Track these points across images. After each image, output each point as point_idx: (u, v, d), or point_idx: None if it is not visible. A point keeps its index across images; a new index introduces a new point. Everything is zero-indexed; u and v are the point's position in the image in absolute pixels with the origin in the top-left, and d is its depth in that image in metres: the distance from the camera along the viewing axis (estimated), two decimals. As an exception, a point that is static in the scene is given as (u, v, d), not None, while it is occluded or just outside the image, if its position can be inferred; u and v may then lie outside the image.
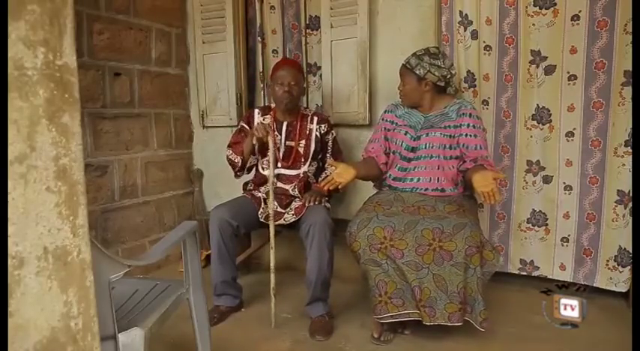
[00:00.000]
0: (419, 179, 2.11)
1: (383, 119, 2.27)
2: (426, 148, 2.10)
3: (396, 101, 2.28)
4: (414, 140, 2.13)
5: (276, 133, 2.35)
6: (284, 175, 2.35)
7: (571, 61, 2.25)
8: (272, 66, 2.46)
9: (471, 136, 2.07)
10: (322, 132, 2.39)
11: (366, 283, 1.97)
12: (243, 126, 2.42)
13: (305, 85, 2.49)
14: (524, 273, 2.48)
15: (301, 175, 2.35)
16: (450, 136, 2.08)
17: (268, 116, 2.40)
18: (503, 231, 2.51)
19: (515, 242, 2.49)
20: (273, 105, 2.44)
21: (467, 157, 2.06)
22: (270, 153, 2.15)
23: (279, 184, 2.34)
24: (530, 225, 2.45)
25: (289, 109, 2.33)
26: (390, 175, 2.19)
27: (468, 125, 2.08)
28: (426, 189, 2.09)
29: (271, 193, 2.15)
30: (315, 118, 2.40)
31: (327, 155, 2.44)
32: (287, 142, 2.36)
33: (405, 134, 2.15)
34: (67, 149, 0.71)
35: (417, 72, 2.08)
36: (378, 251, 1.89)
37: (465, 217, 1.89)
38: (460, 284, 1.82)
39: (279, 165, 2.35)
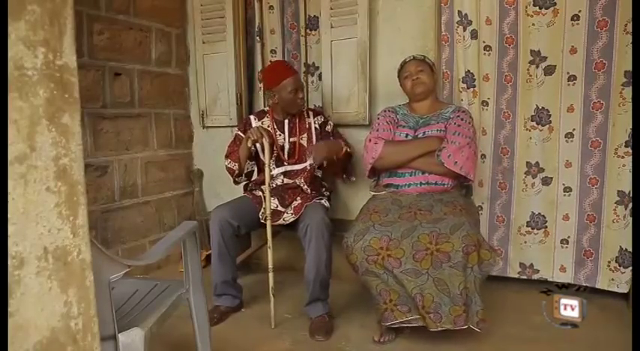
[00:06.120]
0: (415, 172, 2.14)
1: (384, 116, 2.28)
2: None
3: (391, 106, 2.33)
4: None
5: (278, 132, 2.38)
6: (291, 171, 2.38)
7: (571, 61, 2.25)
8: (266, 75, 2.41)
9: (455, 124, 2.13)
10: (320, 123, 2.44)
11: (366, 292, 1.97)
12: (238, 134, 2.44)
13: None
14: (524, 277, 2.47)
15: (308, 168, 2.37)
16: (444, 130, 2.14)
17: (265, 119, 2.42)
18: (503, 234, 2.49)
19: (515, 246, 2.48)
20: (266, 108, 2.47)
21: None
22: (266, 154, 2.18)
23: (286, 180, 2.37)
24: (529, 228, 2.44)
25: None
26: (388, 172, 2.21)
27: (457, 117, 2.16)
28: (423, 172, 2.11)
29: (267, 192, 2.17)
30: (311, 112, 2.48)
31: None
32: (290, 139, 2.39)
33: (406, 136, 2.19)
34: (67, 149, 0.71)
35: (429, 62, 2.24)
36: (374, 263, 1.87)
37: (462, 217, 1.88)
38: (461, 285, 1.80)
39: (285, 163, 2.38)
